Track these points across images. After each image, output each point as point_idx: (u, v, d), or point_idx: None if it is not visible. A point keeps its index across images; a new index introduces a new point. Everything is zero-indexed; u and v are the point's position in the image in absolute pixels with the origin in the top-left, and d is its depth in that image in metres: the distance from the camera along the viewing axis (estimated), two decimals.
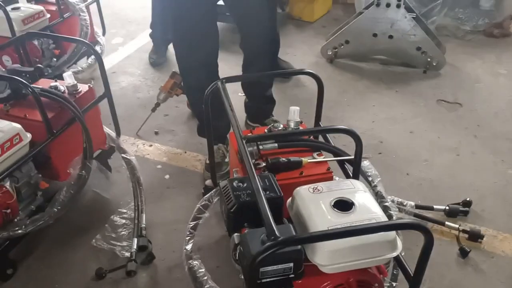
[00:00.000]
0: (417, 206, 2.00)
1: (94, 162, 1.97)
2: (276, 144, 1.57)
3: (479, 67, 3.30)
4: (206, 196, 1.77)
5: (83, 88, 2.02)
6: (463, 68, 3.29)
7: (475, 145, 2.50)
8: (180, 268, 1.66)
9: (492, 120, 2.72)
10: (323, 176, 1.51)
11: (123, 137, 2.58)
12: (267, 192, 1.26)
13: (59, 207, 1.80)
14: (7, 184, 1.69)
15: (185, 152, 2.53)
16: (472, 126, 2.65)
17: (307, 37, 3.83)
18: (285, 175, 1.49)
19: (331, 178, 1.52)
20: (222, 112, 1.54)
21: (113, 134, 2.27)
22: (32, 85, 1.81)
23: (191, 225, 1.70)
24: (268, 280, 1.10)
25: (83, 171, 1.86)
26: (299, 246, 1.10)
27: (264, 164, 1.48)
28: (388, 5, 3.09)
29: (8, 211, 1.68)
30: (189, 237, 1.67)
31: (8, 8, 2.67)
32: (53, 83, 1.97)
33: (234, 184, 1.32)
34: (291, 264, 1.10)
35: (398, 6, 3.07)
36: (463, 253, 1.82)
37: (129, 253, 1.83)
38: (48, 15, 2.87)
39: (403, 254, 1.42)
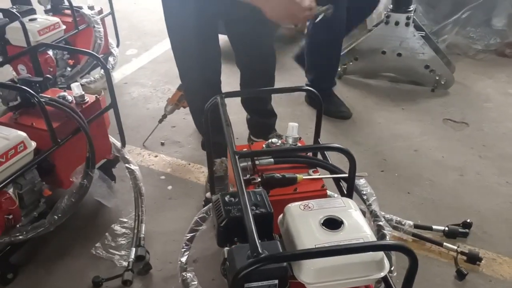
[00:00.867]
0: (416, 226, 1.99)
1: (97, 171, 2.00)
2: (272, 160, 1.59)
3: (489, 87, 3.28)
4: (204, 208, 1.79)
5: (90, 98, 2.07)
6: (472, 87, 3.27)
7: (480, 166, 2.48)
8: (176, 280, 1.68)
9: (499, 140, 2.69)
10: (317, 193, 1.52)
11: (130, 147, 2.62)
12: (258, 208, 1.27)
13: (60, 215, 1.84)
14: (10, 191, 1.73)
15: (190, 164, 2.56)
16: (478, 146, 2.63)
17: None
18: (279, 191, 1.49)
19: (325, 195, 1.53)
20: None
21: (118, 144, 2.31)
22: (40, 95, 1.87)
23: (188, 237, 1.72)
24: None
25: (85, 180, 1.90)
26: (285, 263, 1.10)
27: (259, 180, 1.50)
28: (397, 23, 3.10)
29: (10, 217, 1.72)
30: (184, 249, 1.69)
31: (26, 19, 2.76)
32: (61, 93, 2.03)
33: (226, 198, 1.33)
34: (276, 281, 1.10)
35: (407, 24, 3.08)
36: (460, 275, 1.80)
37: (127, 263, 1.85)
38: (64, 27, 2.95)
39: (395, 274, 1.43)
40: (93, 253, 1.94)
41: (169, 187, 2.38)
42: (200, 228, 1.75)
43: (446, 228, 1.98)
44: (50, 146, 1.85)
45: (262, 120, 2.52)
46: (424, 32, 3.19)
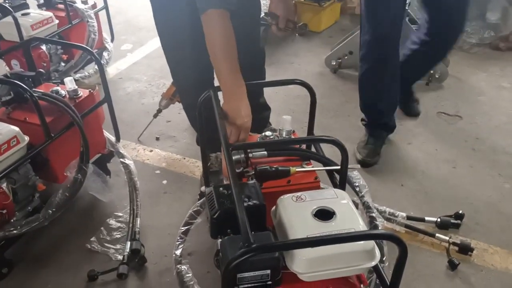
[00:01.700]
0: (409, 217, 2.00)
1: (91, 166, 2.01)
2: (265, 153, 1.59)
3: (482, 80, 3.29)
4: (198, 202, 1.81)
5: (83, 93, 2.07)
6: (466, 81, 3.29)
7: (473, 158, 2.50)
8: (171, 273, 1.69)
9: (492, 133, 2.71)
10: (310, 185, 1.53)
11: (125, 142, 2.63)
12: (250, 200, 1.28)
13: (54, 209, 1.84)
14: (4, 185, 1.73)
15: (185, 158, 2.56)
16: (471, 139, 2.65)
17: (313, 47, 3.86)
18: (273, 183, 1.50)
19: (318, 187, 1.54)
20: None
21: (113, 138, 2.31)
22: (33, 89, 1.87)
23: (182, 230, 1.73)
24: (245, 286, 1.12)
25: (79, 175, 1.90)
26: (276, 254, 1.11)
27: (252, 172, 1.51)
28: None
29: (4, 211, 1.73)
30: (179, 242, 1.70)
31: (18, 14, 2.75)
32: (54, 88, 2.03)
33: (219, 191, 1.34)
34: (268, 271, 1.12)
35: None
36: (452, 265, 1.82)
37: (122, 256, 1.86)
38: (57, 21, 2.94)
39: (386, 264, 1.44)
40: (88, 247, 1.95)
41: (164, 182, 2.39)
42: (195, 221, 1.76)
43: (439, 220, 2.00)
44: (43, 140, 1.85)
45: (255, 115, 2.51)
46: (418, 26, 3.19)
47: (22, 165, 1.81)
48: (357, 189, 1.61)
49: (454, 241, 1.89)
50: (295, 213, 1.26)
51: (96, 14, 3.28)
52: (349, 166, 1.49)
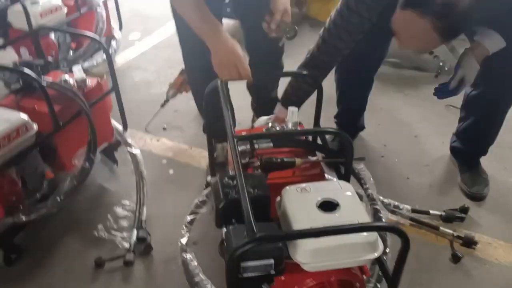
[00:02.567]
0: (413, 210, 2.01)
1: (98, 154, 2.03)
2: (271, 144, 1.60)
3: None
4: (204, 192, 1.82)
5: (92, 82, 2.08)
6: None
7: None
8: (176, 261, 1.71)
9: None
10: (315, 177, 1.54)
11: (132, 131, 2.64)
12: (255, 190, 1.29)
13: (62, 197, 1.87)
14: (13, 173, 1.76)
15: (191, 148, 2.58)
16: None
17: None
18: (278, 174, 1.51)
19: (323, 179, 1.55)
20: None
21: (120, 128, 2.33)
22: (42, 78, 1.89)
23: (188, 220, 1.75)
24: (249, 275, 1.13)
25: (87, 163, 1.92)
26: (280, 244, 1.13)
27: (257, 163, 1.52)
28: None
29: (13, 198, 1.75)
30: (184, 231, 1.72)
31: (27, 2, 2.76)
32: (63, 76, 2.04)
33: (225, 181, 1.35)
34: (272, 261, 1.13)
35: None
36: (456, 258, 1.83)
37: (128, 244, 1.89)
38: (66, 10, 2.95)
39: (389, 256, 1.45)
40: (96, 235, 1.97)
41: (171, 171, 2.41)
42: (201, 210, 1.78)
43: (443, 213, 2.00)
44: (51, 129, 1.87)
45: (267, 107, 2.52)
46: None
47: (31, 153, 1.83)
48: (362, 181, 1.62)
49: (458, 234, 1.90)
50: (300, 204, 1.27)
51: (104, 2, 3.28)
52: (354, 158, 1.50)
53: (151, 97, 3.07)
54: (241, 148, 1.49)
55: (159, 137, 2.68)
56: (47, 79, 1.95)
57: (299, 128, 1.70)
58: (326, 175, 1.60)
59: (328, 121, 2.64)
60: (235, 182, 1.35)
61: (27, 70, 1.81)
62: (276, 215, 1.36)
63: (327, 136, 1.73)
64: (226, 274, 1.12)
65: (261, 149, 1.59)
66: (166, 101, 2.74)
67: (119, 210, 2.09)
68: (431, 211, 2.02)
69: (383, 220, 1.51)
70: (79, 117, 1.96)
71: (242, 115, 2.58)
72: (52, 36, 2.90)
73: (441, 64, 3.16)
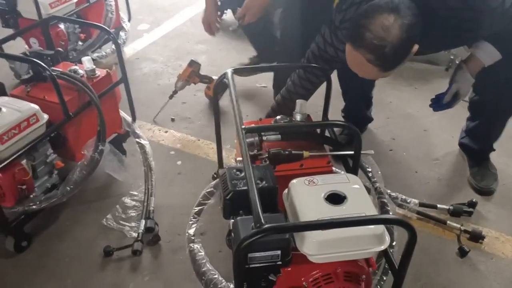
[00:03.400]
0: (421, 204, 2.00)
1: (108, 145, 2.04)
2: (279, 136, 1.61)
3: None
4: (212, 183, 1.83)
5: (101, 73, 2.09)
6: None
7: None
8: (183, 251, 1.72)
9: (510, 121, 2.66)
10: (322, 169, 1.54)
11: (141, 122, 2.66)
12: (263, 182, 1.30)
13: (72, 186, 1.89)
14: (24, 162, 1.78)
15: (199, 140, 2.59)
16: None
17: None
18: (285, 166, 1.52)
19: (330, 172, 1.55)
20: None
21: (129, 118, 2.35)
22: (52, 68, 1.90)
23: (196, 210, 1.77)
24: (256, 265, 1.15)
25: (96, 153, 1.94)
26: (287, 235, 1.14)
27: (265, 155, 1.52)
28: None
29: (24, 187, 1.78)
30: (192, 222, 1.73)
31: None
32: (72, 67, 2.05)
33: (233, 172, 1.36)
34: (279, 252, 1.14)
35: None
36: (462, 252, 1.83)
37: (137, 234, 1.91)
38: (75, 0, 2.96)
39: (396, 249, 1.46)
40: (104, 224, 2.00)
41: (179, 162, 2.42)
42: (208, 202, 1.79)
43: (451, 207, 2.00)
44: (61, 119, 1.89)
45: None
46: None
47: (41, 143, 1.85)
48: (370, 174, 1.62)
49: (466, 229, 1.89)
50: (307, 196, 1.28)
51: None
52: (362, 152, 1.50)
53: (159, 88, 3.08)
54: (249, 140, 1.50)
55: (167, 128, 2.69)
56: (58, 69, 1.96)
57: (307, 121, 1.71)
58: (333, 168, 1.60)
59: (336, 114, 2.64)
60: (243, 173, 1.36)
61: (37, 60, 1.82)
62: (283, 208, 1.37)
63: (335, 129, 1.73)
64: (234, 264, 1.14)
65: (269, 141, 1.60)
66: (175, 92, 2.75)
67: (127, 200, 2.11)
68: (438, 205, 2.01)
69: (390, 213, 1.51)
70: (89, 108, 1.97)
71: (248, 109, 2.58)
72: (62, 26, 2.91)
73: (452, 57, 3.13)
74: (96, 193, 2.19)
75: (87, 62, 2.05)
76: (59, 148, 1.96)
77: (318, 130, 1.75)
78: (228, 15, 3.06)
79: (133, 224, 1.99)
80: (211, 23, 2.54)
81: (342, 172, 1.58)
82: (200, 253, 1.59)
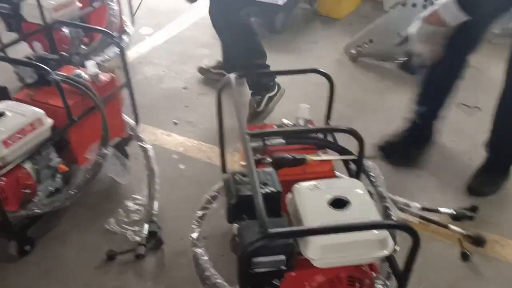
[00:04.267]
0: (423, 208, 2.01)
1: (111, 149, 2.05)
2: (283, 141, 1.61)
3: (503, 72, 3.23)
4: (214, 187, 1.84)
5: (105, 77, 2.10)
6: (487, 72, 3.24)
7: None
8: (186, 255, 1.73)
9: None
10: (325, 174, 1.55)
11: (143, 126, 2.66)
12: (267, 187, 1.30)
13: (75, 190, 1.90)
14: (27, 166, 1.79)
15: (202, 144, 2.60)
16: (489, 131, 2.62)
17: (333, 34, 3.82)
18: (288, 171, 1.53)
19: (333, 177, 1.56)
20: None
21: (132, 122, 2.35)
22: (56, 72, 1.91)
23: (199, 215, 1.77)
24: (260, 270, 1.15)
25: (100, 157, 1.94)
26: (291, 240, 1.14)
27: (269, 160, 1.53)
28: (414, 5, 3.05)
29: (27, 191, 1.78)
30: (195, 226, 1.74)
31: None
32: (76, 71, 2.06)
33: (237, 177, 1.37)
34: (283, 257, 1.14)
35: (424, 6, 3.04)
36: (464, 256, 1.84)
37: (139, 238, 1.91)
38: (79, 4, 2.97)
39: (398, 253, 1.46)
40: (107, 228, 2.01)
41: (181, 166, 2.42)
42: (211, 206, 1.80)
43: (453, 211, 2.00)
44: (65, 123, 1.90)
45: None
46: None
47: (45, 147, 1.86)
48: (372, 179, 1.62)
49: (468, 233, 1.90)
50: (310, 201, 1.28)
51: None
52: (365, 156, 1.50)
53: (162, 92, 3.09)
54: (252, 144, 1.51)
55: (170, 132, 2.70)
56: (61, 73, 1.97)
57: (310, 126, 1.72)
58: (336, 173, 1.61)
59: (339, 118, 2.65)
60: (246, 178, 1.37)
61: (42, 65, 1.83)
62: (286, 212, 1.38)
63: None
64: (238, 269, 1.14)
65: (272, 145, 1.61)
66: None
67: (130, 204, 2.12)
68: (440, 209, 2.01)
69: (393, 217, 1.52)
70: (93, 112, 1.98)
71: None
72: (66, 30, 2.92)
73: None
74: (99, 196, 2.20)
75: (91, 67, 2.05)
76: (62, 152, 1.97)
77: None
78: None
79: (136, 228, 2.00)
80: None
81: (345, 177, 1.59)
82: (203, 257, 1.60)
